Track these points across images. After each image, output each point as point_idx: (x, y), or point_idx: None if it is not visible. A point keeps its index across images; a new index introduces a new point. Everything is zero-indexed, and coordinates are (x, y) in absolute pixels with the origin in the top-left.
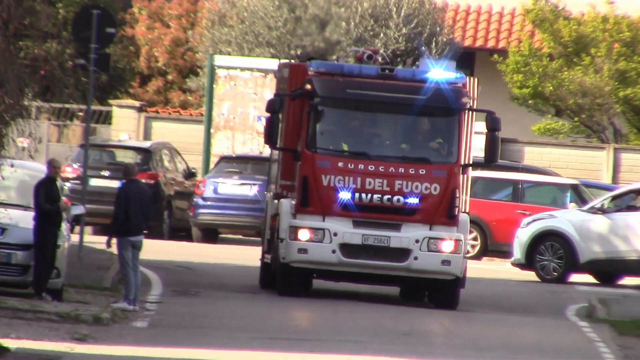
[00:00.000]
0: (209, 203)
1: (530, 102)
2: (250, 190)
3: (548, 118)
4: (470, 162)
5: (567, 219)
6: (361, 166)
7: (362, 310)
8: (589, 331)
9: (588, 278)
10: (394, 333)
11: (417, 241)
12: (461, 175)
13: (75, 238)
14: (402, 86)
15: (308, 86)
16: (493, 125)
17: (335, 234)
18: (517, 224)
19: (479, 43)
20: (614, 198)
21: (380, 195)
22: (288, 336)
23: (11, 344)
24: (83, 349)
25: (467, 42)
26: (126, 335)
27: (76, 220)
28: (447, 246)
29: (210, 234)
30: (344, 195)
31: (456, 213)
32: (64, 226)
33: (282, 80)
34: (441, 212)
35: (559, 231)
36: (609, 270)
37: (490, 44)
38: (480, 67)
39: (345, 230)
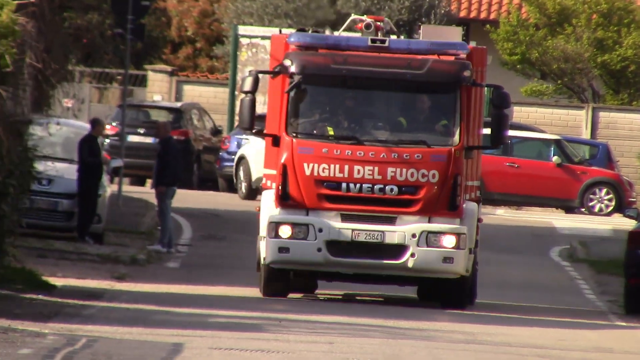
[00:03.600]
0: (233, 157)
1: (518, 67)
2: None
3: (534, 81)
4: (477, 144)
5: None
6: (349, 152)
7: None
8: (570, 270)
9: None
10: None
11: (414, 236)
12: (466, 159)
13: (114, 188)
14: (395, 59)
15: (287, 62)
16: (500, 101)
17: (320, 230)
18: (508, 175)
19: (473, 14)
20: None
21: (370, 185)
22: None
23: (58, 281)
24: (122, 287)
25: (463, 14)
26: (160, 275)
27: (115, 172)
28: (448, 241)
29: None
30: (330, 186)
31: (459, 203)
32: (104, 177)
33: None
34: (441, 202)
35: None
36: None
37: (483, 15)
38: (474, 36)
39: (332, 225)
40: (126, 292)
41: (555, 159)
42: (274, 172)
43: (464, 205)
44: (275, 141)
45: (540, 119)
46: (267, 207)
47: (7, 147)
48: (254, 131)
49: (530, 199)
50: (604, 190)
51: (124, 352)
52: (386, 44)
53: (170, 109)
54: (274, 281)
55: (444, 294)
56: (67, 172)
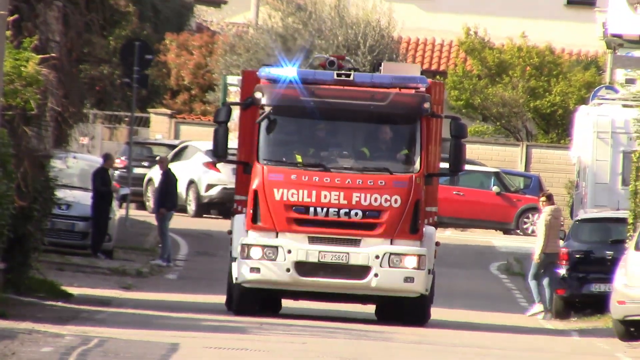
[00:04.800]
0: None
1: (463, 111)
2: None
3: (477, 123)
4: (436, 172)
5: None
6: (316, 178)
7: None
8: (507, 282)
9: (506, 241)
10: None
11: (377, 257)
12: (426, 186)
13: (122, 212)
14: (359, 92)
15: (258, 94)
16: (457, 131)
17: (289, 252)
18: (455, 202)
19: (425, 66)
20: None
21: (336, 209)
22: None
23: (74, 291)
24: (128, 295)
25: None
26: (161, 285)
27: (123, 199)
28: (409, 262)
29: (228, 211)
30: (298, 210)
31: (419, 226)
32: (114, 203)
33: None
34: (403, 225)
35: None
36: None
37: (434, 67)
38: None
39: (300, 247)
40: (132, 299)
41: (494, 188)
42: (244, 197)
43: (424, 229)
44: (247, 168)
45: (482, 155)
46: (239, 230)
47: (32, 177)
48: (227, 158)
49: (473, 222)
50: (536, 215)
51: (130, 350)
52: (351, 78)
53: (169, 146)
54: (245, 300)
55: (404, 312)
56: (82, 198)
